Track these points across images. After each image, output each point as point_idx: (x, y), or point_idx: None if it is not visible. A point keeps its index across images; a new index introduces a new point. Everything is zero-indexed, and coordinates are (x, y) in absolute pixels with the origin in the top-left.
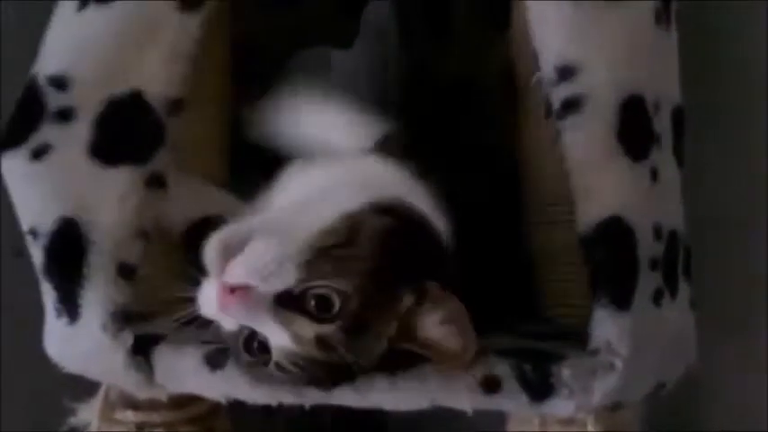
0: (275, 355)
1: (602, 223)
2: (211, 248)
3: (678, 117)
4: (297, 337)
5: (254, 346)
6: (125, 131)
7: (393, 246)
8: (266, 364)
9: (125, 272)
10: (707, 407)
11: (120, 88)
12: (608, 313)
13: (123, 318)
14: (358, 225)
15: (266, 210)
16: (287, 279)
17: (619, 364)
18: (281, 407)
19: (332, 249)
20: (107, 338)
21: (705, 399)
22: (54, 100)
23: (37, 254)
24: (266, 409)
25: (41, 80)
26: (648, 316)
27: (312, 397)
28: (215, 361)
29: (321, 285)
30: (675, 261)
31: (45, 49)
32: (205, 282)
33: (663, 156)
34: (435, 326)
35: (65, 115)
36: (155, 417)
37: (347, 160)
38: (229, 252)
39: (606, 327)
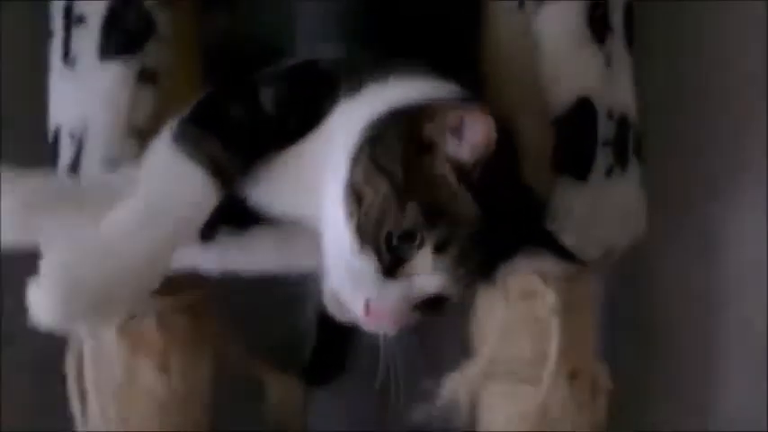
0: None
1: (575, 104)
2: None
3: (629, 11)
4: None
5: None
6: (118, 25)
7: None
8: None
9: (113, 169)
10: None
11: None
12: (569, 184)
13: None
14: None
15: None
16: None
17: (574, 226)
18: None
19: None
20: None
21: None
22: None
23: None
24: None
25: None
26: (601, 186)
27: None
28: (206, 235)
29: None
30: (626, 141)
31: None
32: None
33: (615, 43)
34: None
35: (80, 19)
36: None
37: None
38: None
39: (567, 195)
